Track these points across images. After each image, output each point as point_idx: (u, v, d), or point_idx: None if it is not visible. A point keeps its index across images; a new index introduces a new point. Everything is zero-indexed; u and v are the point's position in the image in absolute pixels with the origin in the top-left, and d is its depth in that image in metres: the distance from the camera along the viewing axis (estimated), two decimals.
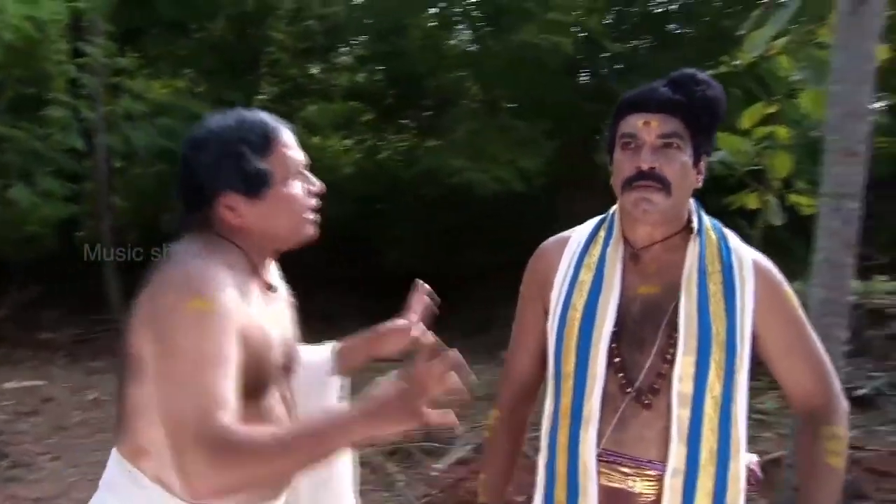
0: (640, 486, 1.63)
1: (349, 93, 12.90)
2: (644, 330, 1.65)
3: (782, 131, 6.55)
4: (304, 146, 1.65)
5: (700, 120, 1.63)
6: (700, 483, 1.59)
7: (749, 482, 1.68)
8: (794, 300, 1.72)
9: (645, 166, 1.60)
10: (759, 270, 1.69)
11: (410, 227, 12.67)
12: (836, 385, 1.71)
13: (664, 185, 1.60)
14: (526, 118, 9.96)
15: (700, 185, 1.69)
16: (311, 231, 1.62)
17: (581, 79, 10.75)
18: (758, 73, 8.75)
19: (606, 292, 1.68)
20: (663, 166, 1.60)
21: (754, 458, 1.77)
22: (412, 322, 1.92)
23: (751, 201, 6.77)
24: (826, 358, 1.72)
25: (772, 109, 6.65)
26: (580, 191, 11.61)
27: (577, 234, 1.82)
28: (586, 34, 9.96)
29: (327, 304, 11.74)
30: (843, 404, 1.70)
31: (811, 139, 7.26)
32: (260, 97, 12.18)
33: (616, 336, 1.65)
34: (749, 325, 1.65)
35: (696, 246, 1.68)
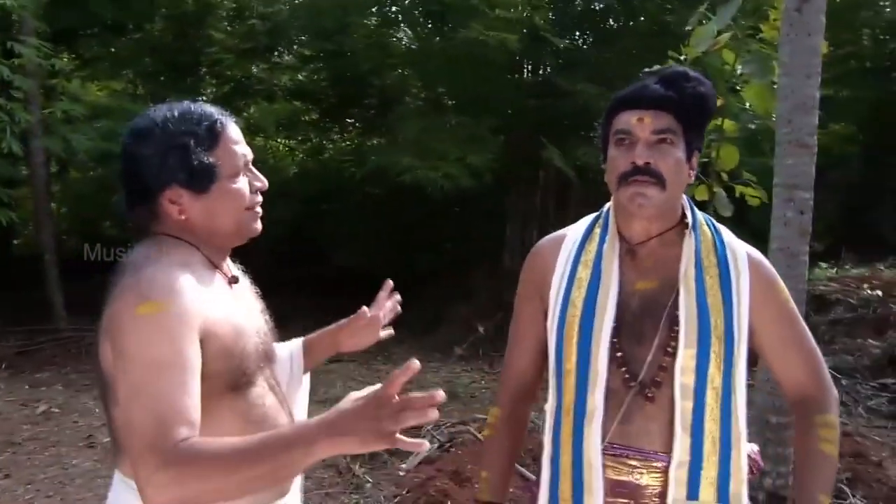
0: (646, 478, 1.65)
1: (292, 92, 12.78)
2: (643, 325, 1.68)
3: (729, 124, 6.68)
4: (249, 147, 1.61)
5: (691, 116, 1.66)
6: (704, 473, 1.62)
7: (751, 471, 1.71)
8: (786, 293, 1.77)
9: (640, 161, 1.63)
10: (752, 264, 1.73)
11: (358, 226, 12.63)
12: (827, 375, 1.76)
13: (659, 180, 1.63)
14: (472, 115, 9.96)
15: (692, 179, 1.73)
16: (256, 227, 1.59)
17: (525, 76, 10.80)
18: (703, 68, 8.97)
19: (605, 288, 1.70)
20: (658, 161, 1.63)
21: (754, 447, 1.80)
22: (378, 318, 1.97)
23: (699, 193, 6.86)
24: (817, 349, 1.77)
25: (718, 103, 6.78)
26: (527, 187, 11.72)
27: (573, 232, 1.83)
28: (531, 31, 9.99)
29: (277, 306, 11.54)
30: (834, 393, 1.74)
31: (753, 131, 7.44)
32: (202, 98, 11.95)
33: (616, 331, 1.67)
34: (746, 317, 1.68)
35: (691, 241, 1.71)
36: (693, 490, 1.61)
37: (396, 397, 1.22)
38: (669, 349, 1.64)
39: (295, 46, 12.38)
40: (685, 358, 1.62)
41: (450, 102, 10.89)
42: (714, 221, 1.79)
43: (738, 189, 6.68)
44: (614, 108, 1.71)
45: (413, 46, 10.90)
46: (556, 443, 1.71)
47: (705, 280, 1.68)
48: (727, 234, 1.77)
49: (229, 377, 1.43)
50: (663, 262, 1.72)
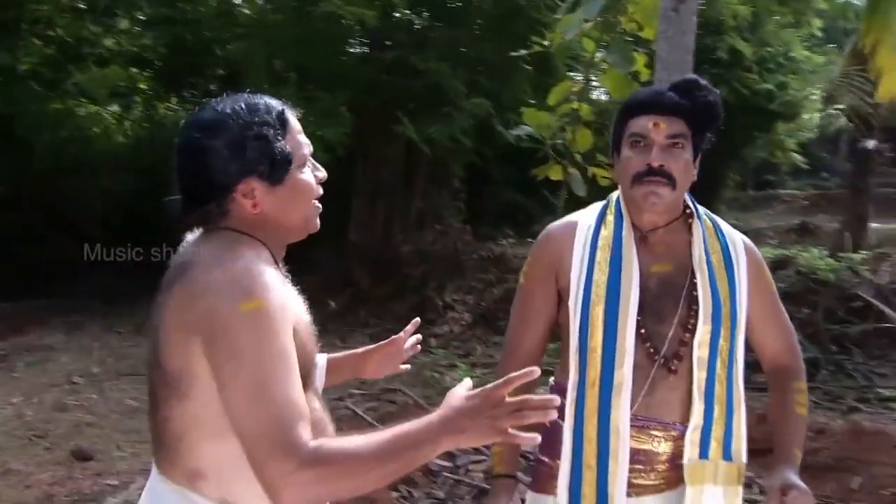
0: (663, 445, 1.84)
1: (127, 58, 12.07)
2: (663, 304, 1.85)
3: (585, 108, 7.06)
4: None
5: (701, 122, 1.85)
6: (713, 434, 1.83)
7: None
8: (770, 275, 2.01)
9: (656, 164, 1.79)
10: (747, 250, 1.96)
11: None
12: (799, 348, 2.03)
13: (670, 181, 1.80)
14: (325, 89, 9.88)
15: (695, 178, 1.90)
16: (317, 223, 1.57)
17: (378, 52, 10.82)
18: (567, 54, 9.37)
19: (627, 271, 1.85)
20: (670, 164, 1.80)
21: None
22: (403, 348, 1.94)
23: (555, 173, 7.18)
24: (791, 325, 2.04)
25: (576, 88, 7.16)
26: (375, 163, 11.78)
27: (584, 219, 1.97)
28: (385, 7, 10.03)
29: (101, 281, 11.09)
30: (803, 364, 2.01)
31: (607, 116, 7.89)
32: (26, 59, 11.09)
33: (638, 310, 1.84)
34: (745, 295, 1.90)
35: (699, 229, 1.91)
36: (704, 450, 1.83)
37: (508, 397, 1.30)
38: (689, 326, 1.84)
39: (135, 10, 11.66)
40: (702, 333, 1.82)
41: (300, 76, 10.71)
42: (708, 212, 2.00)
43: (592, 170, 7.09)
44: (631, 111, 1.87)
45: (262, 17, 10.59)
46: (579, 415, 1.84)
47: (713, 263, 1.88)
48: (722, 222, 1.99)
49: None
50: (673, 247, 1.90)
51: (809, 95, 15.25)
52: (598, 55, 6.81)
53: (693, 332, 1.83)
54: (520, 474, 2.12)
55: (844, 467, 4.61)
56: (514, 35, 10.53)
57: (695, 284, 1.85)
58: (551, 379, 2.05)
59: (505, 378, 1.32)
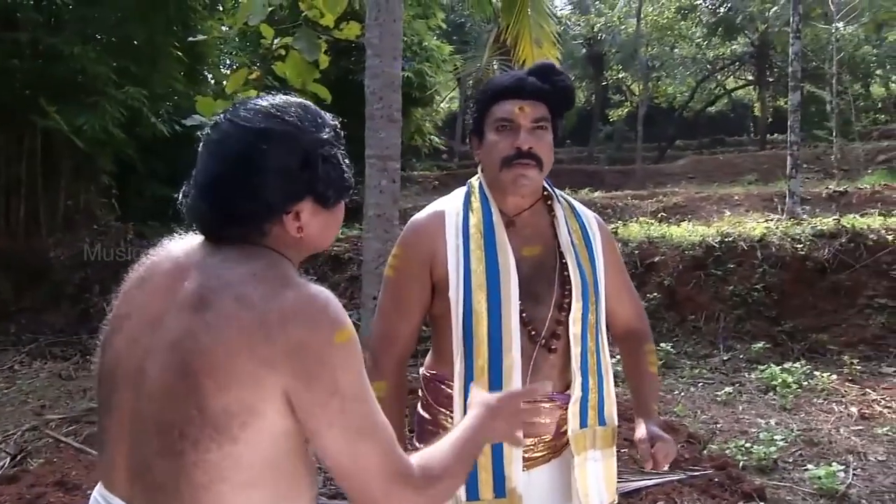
0: (548, 417, 1.88)
1: None
2: (538, 286, 1.88)
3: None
4: None
5: (559, 106, 1.91)
6: (590, 403, 1.91)
7: None
8: (618, 248, 2.14)
9: (525, 147, 1.84)
10: (600, 226, 2.06)
11: None
12: (645, 314, 2.18)
13: (538, 162, 1.86)
14: None
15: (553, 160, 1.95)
16: None
17: (8, 32, 9.52)
18: (245, 41, 9.01)
19: (503, 256, 1.86)
20: (537, 146, 1.85)
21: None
22: None
23: None
24: (637, 293, 2.18)
25: (255, 75, 6.97)
26: (10, 156, 10.41)
27: (450, 207, 1.95)
28: None
29: None
30: (650, 328, 2.16)
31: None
32: None
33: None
34: (602, 267, 1.99)
35: (560, 211, 1.97)
36: (583, 419, 1.90)
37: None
38: (564, 305, 1.89)
39: None
40: (575, 311, 1.88)
41: None
42: (561, 192, 2.06)
43: None
44: (494, 97, 1.89)
45: None
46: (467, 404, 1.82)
47: (574, 241, 1.95)
48: (575, 202, 2.07)
49: None
50: (539, 229, 1.95)
51: (446, 83, 16.39)
52: (276, 42, 6.71)
53: (568, 311, 1.89)
54: None
55: None
56: (163, 20, 9.95)
57: (564, 265, 1.92)
58: (421, 370, 2.02)
59: (529, 388, 1.52)
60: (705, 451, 4.65)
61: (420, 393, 2.03)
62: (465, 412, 1.82)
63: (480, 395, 1.47)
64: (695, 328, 7.51)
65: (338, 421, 1.20)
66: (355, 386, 1.22)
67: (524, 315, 1.86)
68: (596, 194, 17.64)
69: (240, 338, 1.16)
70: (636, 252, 8.05)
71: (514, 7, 8.90)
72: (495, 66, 10.93)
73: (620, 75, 28.88)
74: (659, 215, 12.73)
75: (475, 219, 1.92)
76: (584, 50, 28.90)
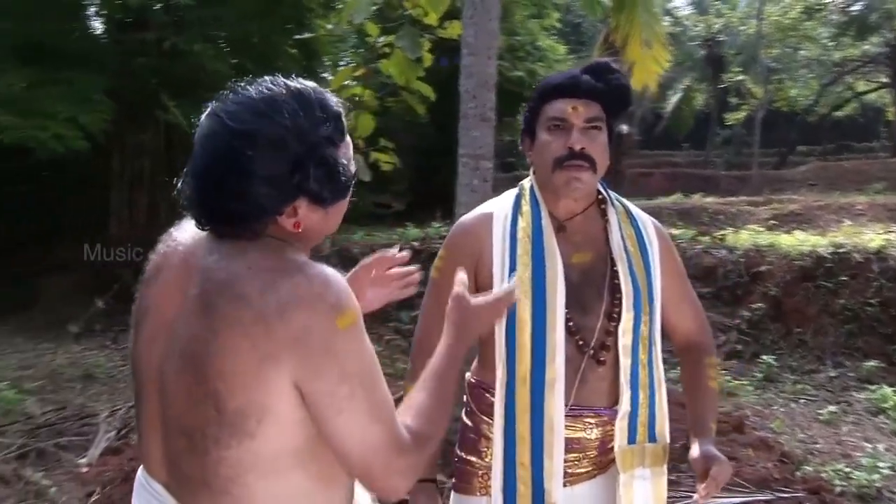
0: (595, 432, 1.83)
1: None
2: (586, 295, 1.82)
3: (367, 93, 7.02)
4: None
5: (615, 105, 1.84)
6: (639, 419, 1.84)
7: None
8: (678, 256, 2.04)
9: (577, 147, 1.77)
10: (658, 232, 1.97)
11: None
12: (708, 325, 2.07)
13: (592, 164, 1.79)
14: (72, 71, 9.02)
15: (609, 162, 1.88)
16: None
17: (136, 33, 10.05)
18: (346, 38, 9.25)
19: (551, 263, 1.80)
20: (590, 147, 1.78)
21: None
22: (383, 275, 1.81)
23: None
24: (700, 303, 2.08)
25: (359, 73, 7.10)
26: (133, 151, 10.98)
27: (499, 210, 1.89)
28: None
29: None
30: (713, 340, 2.07)
31: (388, 102, 7.91)
32: None
33: (565, 303, 1.80)
34: (659, 276, 1.92)
35: (614, 216, 1.90)
36: (632, 435, 1.83)
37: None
38: (614, 315, 1.83)
39: None
40: (625, 321, 1.81)
41: (46, 57, 9.69)
42: (619, 196, 1.99)
43: (374, 155, 7.09)
44: (547, 95, 1.83)
45: None
46: (510, 412, 1.77)
47: (629, 248, 1.87)
48: (632, 206, 1.99)
49: None
50: (590, 235, 1.88)
51: None
52: (380, 40, 6.82)
53: (618, 321, 1.82)
54: (440, 477, 2.04)
55: None
56: (280, 18, 10.26)
57: (615, 273, 1.84)
58: (468, 375, 1.99)
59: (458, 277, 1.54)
60: (798, 473, 4.43)
61: (465, 399, 1.98)
62: (505, 421, 1.80)
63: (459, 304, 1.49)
64: (801, 341, 7.17)
65: (347, 406, 1.20)
66: (362, 369, 1.22)
67: (571, 324, 1.80)
68: (708, 199, 17.13)
69: (243, 337, 1.17)
70: (741, 260, 7.76)
71: (623, 7, 8.74)
72: None
73: (739, 77, 27.95)
74: (770, 223, 12.24)
75: (524, 222, 1.85)
76: (703, 52, 28.13)
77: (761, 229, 9.84)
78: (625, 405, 1.81)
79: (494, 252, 1.84)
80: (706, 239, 8.59)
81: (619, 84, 1.84)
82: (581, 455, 1.84)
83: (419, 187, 16.54)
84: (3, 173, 10.50)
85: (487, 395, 1.87)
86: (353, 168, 1.33)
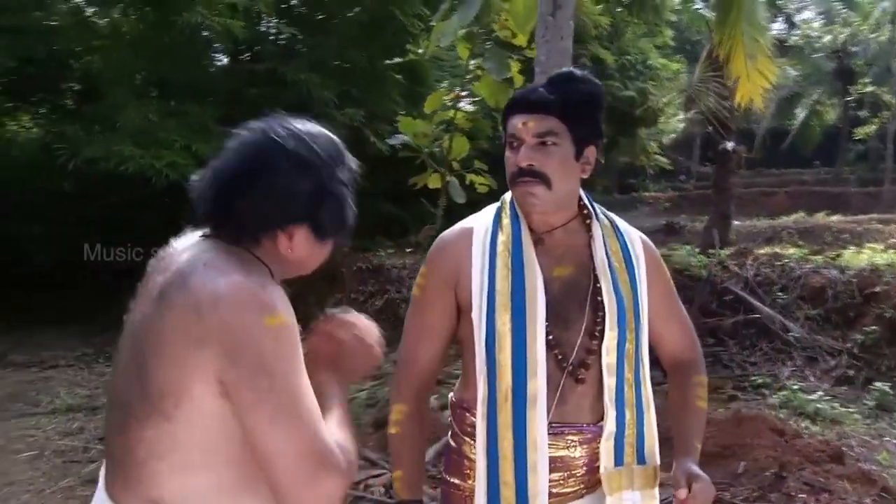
0: (579, 450, 1.78)
1: None
2: (568, 309, 1.79)
3: (460, 115, 7.08)
4: None
5: (576, 114, 1.77)
6: (626, 440, 1.79)
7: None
8: (667, 270, 1.99)
9: (523, 164, 1.74)
10: (645, 246, 1.92)
11: (56, 220, 11.52)
12: (698, 342, 2.01)
13: (543, 180, 1.74)
14: (192, 102, 9.53)
15: (587, 174, 1.83)
16: None
17: (246, 64, 10.55)
18: (435, 64, 9.41)
19: (530, 275, 1.76)
20: (542, 162, 1.74)
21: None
22: None
23: (433, 181, 7.17)
24: (689, 320, 2.02)
25: (451, 96, 7.17)
26: None
27: (479, 224, 1.87)
28: (249, 17, 9.78)
29: None
30: (703, 358, 2.00)
31: (483, 124, 7.95)
32: None
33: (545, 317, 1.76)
34: (646, 292, 1.87)
35: (598, 229, 1.86)
36: (619, 457, 1.78)
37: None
38: (596, 333, 1.78)
39: None
40: (609, 339, 1.77)
41: (163, 89, 10.29)
42: (605, 210, 1.95)
43: (469, 177, 7.12)
44: (506, 112, 1.82)
45: (121, 28, 10.11)
46: (492, 430, 1.74)
47: (614, 264, 1.83)
48: (619, 220, 1.95)
49: None
50: (573, 249, 1.84)
51: (668, 101, 15.93)
52: (472, 62, 6.87)
53: (600, 338, 1.78)
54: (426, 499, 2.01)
55: (729, 454, 4.78)
56: (382, 44, 10.50)
57: (598, 289, 1.80)
58: (451, 394, 1.97)
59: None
60: None
61: (450, 421, 1.95)
62: (487, 439, 1.75)
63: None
64: None
65: (264, 399, 1.21)
66: (285, 369, 1.23)
67: (551, 338, 1.75)
68: (833, 218, 16.33)
69: (178, 320, 1.24)
70: (854, 280, 7.35)
71: (727, 21, 8.49)
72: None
73: (870, 89, 26.52)
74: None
75: (504, 236, 1.82)
76: (831, 64, 26.87)
77: (880, 248, 9.27)
78: (609, 425, 1.76)
79: (473, 267, 1.81)
80: (818, 259, 8.18)
81: (577, 91, 1.77)
82: (567, 474, 1.79)
83: None
84: (128, 201, 11.14)
85: (468, 414, 1.83)
86: (352, 219, 1.43)
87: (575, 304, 1.79)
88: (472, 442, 1.80)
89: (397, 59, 8.14)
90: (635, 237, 1.92)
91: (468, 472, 1.83)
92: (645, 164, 19.55)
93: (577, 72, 1.83)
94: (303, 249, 1.40)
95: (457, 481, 1.87)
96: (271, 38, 10.61)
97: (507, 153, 1.80)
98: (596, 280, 1.81)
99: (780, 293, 7.62)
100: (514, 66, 6.18)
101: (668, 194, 24.23)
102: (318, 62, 10.15)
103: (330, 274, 10.52)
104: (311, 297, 10.20)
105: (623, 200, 23.29)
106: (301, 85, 9.80)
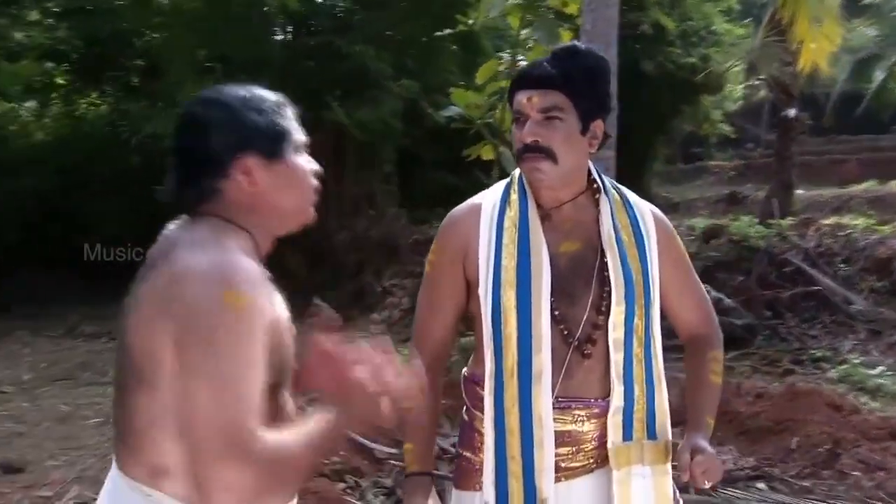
0: (587, 424, 1.79)
1: (42, 52, 11.59)
2: (574, 285, 1.78)
3: None
4: None
5: (580, 89, 1.74)
6: (636, 415, 1.79)
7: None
8: (682, 244, 1.97)
9: (528, 140, 1.73)
10: (657, 220, 1.90)
11: (124, 197, 11.85)
12: (715, 317, 1.99)
13: (549, 155, 1.72)
14: (251, 78, 9.66)
15: (594, 149, 1.81)
16: (312, 214, 1.51)
17: (302, 38, 10.65)
18: (491, 33, 9.34)
19: (536, 251, 1.77)
20: (547, 137, 1.71)
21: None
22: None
23: (486, 152, 7.14)
24: (706, 294, 2.00)
25: (503, 66, 7.12)
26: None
27: (487, 200, 1.87)
28: None
29: (28, 285, 10.81)
30: (720, 333, 1.98)
31: None
32: None
33: (551, 292, 1.76)
34: (657, 268, 1.85)
35: (606, 204, 1.83)
36: (628, 432, 1.78)
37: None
38: (602, 308, 1.78)
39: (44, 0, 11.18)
40: (615, 314, 1.76)
41: (224, 65, 10.45)
42: (616, 183, 1.93)
43: None
44: (511, 89, 1.81)
45: (181, 5, 10.29)
46: (499, 405, 1.76)
47: (623, 238, 1.81)
48: (630, 194, 1.92)
49: (274, 378, 1.35)
50: (581, 224, 1.82)
51: (732, 67, 15.51)
52: (524, 32, 6.80)
53: (606, 314, 1.77)
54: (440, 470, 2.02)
55: (782, 429, 4.70)
56: (436, 15, 10.45)
57: (605, 264, 1.79)
58: (464, 370, 1.97)
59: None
60: None
61: (464, 396, 1.96)
62: (494, 414, 1.77)
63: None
64: None
65: (198, 369, 1.23)
66: (231, 346, 1.24)
67: (556, 313, 1.74)
68: None
69: (154, 290, 1.29)
70: None
71: None
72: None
73: None
74: None
75: (511, 212, 1.81)
76: None
77: None
78: (616, 400, 1.76)
79: (481, 242, 1.81)
80: (886, 229, 7.94)
81: (578, 66, 1.74)
82: (575, 448, 1.79)
83: None
84: None
85: (478, 388, 1.84)
86: (296, 138, 1.46)
87: (581, 279, 1.79)
88: (483, 416, 1.82)
89: (448, 31, 8.06)
90: (646, 211, 1.90)
91: (479, 445, 1.85)
92: (709, 132, 19.11)
93: (581, 46, 1.83)
94: (266, 179, 1.41)
95: (469, 455, 1.89)
96: (327, 11, 10.65)
97: (514, 129, 1.79)
98: (603, 255, 1.80)
99: (842, 265, 7.42)
100: (566, 36, 6.08)
101: (733, 163, 23.61)
102: (373, 34, 10.19)
103: (387, 245, 10.64)
104: (368, 268, 10.36)
105: (687, 170, 22.82)
106: (356, 57, 9.87)
